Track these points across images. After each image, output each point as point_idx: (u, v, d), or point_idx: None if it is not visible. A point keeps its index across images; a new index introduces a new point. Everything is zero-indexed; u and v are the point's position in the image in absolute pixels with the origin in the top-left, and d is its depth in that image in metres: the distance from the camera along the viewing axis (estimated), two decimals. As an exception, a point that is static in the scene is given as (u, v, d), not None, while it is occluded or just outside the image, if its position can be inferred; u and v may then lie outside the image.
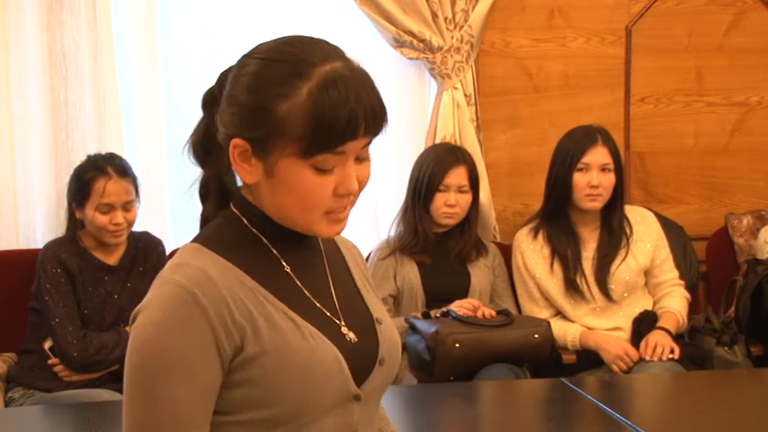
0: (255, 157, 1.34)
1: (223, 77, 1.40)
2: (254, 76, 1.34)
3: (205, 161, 1.44)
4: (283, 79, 1.31)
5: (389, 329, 1.50)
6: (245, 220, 1.40)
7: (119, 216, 3.14)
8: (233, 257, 1.36)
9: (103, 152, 3.34)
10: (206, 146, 1.42)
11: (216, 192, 1.44)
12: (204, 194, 1.45)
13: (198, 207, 1.48)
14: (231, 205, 1.43)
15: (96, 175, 3.14)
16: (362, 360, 1.42)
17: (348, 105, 1.30)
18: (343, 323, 1.42)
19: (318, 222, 1.37)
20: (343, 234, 1.59)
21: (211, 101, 1.41)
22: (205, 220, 1.45)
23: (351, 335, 1.42)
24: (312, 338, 1.35)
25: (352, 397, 1.39)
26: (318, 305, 1.41)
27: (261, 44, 1.38)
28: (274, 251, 1.40)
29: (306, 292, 1.41)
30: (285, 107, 1.31)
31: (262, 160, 1.34)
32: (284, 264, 1.40)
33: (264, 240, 1.40)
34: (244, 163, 1.35)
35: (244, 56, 1.38)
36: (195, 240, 1.40)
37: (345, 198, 1.36)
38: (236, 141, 1.34)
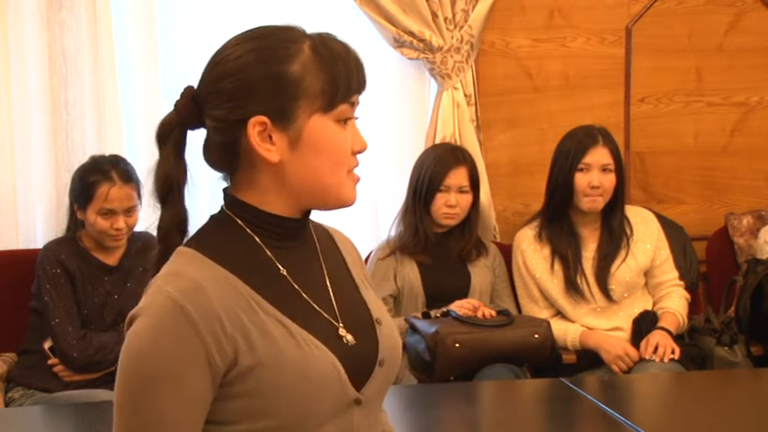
0: (277, 131, 1.34)
1: (184, 98, 1.39)
2: (252, 52, 1.34)
3: (167, 199, 1.39)
4: (282, 45, 1.35)
5: (389, 329, 1.48)
6: (239, 221, 1.38)
7: (120, 221, 3.14)
8: (227, 263, 1.34)
9: (103, 152, 3.34)
10: (169, 182, 1.38)
11: (177, 231, 1.40)
12: (164, 235, 1.39)
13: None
14: (223, 208, 1.41)
15: (100, 180, 3.13)
16: (361, 363, 1.40)
17: (350, 55, 1.37)
18: (341, 324, 1.40)
19: (346, 183, 1.39)
20: (343, 232, 1.59)
21: (172, 128, 1.39)
22: (164, 256, 1.38)
23: (348, 337, 1.40)
24: (307, 346, 1.33)
25: (352, 402, 1.37)
26: (316, 307, 1.39)
27: (224, 43, 1.39)
28: (269, 253, 1.38)
29: (303, 294, 1.39)
30: (296, 68, 1.34)
31: (284, 131, 1.34)
32: (279, 266, 1.39)
33: (258, 241, 1.38)
34: (265, 143, 1.34)
35: (212, 56, 1.38)
36: (189, 245, 1.38)
37: (356, 158, 1.41)
38: (254, 120, 1.33)
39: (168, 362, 1.27)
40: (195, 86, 1.40)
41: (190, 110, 1.39)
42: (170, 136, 1.39)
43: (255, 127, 1.34)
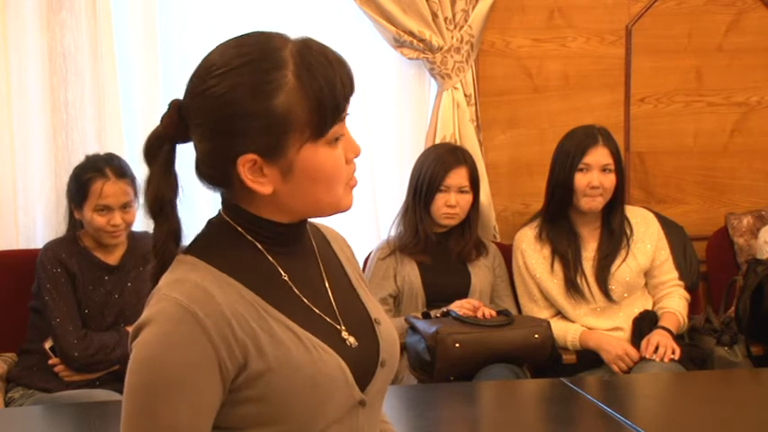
0: (268, 165, 1.31)
1: (170, 113, 1.34)
2: (236, 87, 1.29)
3: (159, 216, 1.36)
4: (263, 77, 1.29)
5: (388, 329, 1.48)
6: (239, 228, 1.37)
7: (117, 217, 3.14)
8: (230, 269, 1.33)
9: (103, 152, 3.34)
10: (159, 200, 1.35)
11: (172, 243, 1.37)
12: (159, 250, 1.36)
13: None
14: (222, 213, 1.39)
15: (94, 177, 3.14)
16: (365, 364, 1.40)
17: (332, 69, 1.32)
18: (343, 328, 1.40)
19: (344, 195, 1.37)
20: (342, 232, 1.58)
21: (161, 144, 1.34)
22: (161, 271, 1.35)
23: (351, 339, 1.40)
24: (315, 350, 1.33)
25: (357, 403, 1.38)
26: (318, 312, 1.39)
27: (205, 63, 1.33)
28: (270, 258, 1.37)
29: (304, 300, 1.38)
30: (282, 101, 1.29)
31: (275, 165, 1.31)
32: (281, 272, 1.38)
33: (260, 247, 1.37)
34: (257, 177, 1.32)
35: (195, 81, 1.33)
36: (189, 252, 1.36)
37: (353, 163, 1.38)
38: (242, 159, 1.30)
39: (182, 370, 1.25)
40: (181, 99, 1.35)
41: (177, 125, 1.35)
42: (159, 152, 1.35)
43: (245, 165, 1.31)
